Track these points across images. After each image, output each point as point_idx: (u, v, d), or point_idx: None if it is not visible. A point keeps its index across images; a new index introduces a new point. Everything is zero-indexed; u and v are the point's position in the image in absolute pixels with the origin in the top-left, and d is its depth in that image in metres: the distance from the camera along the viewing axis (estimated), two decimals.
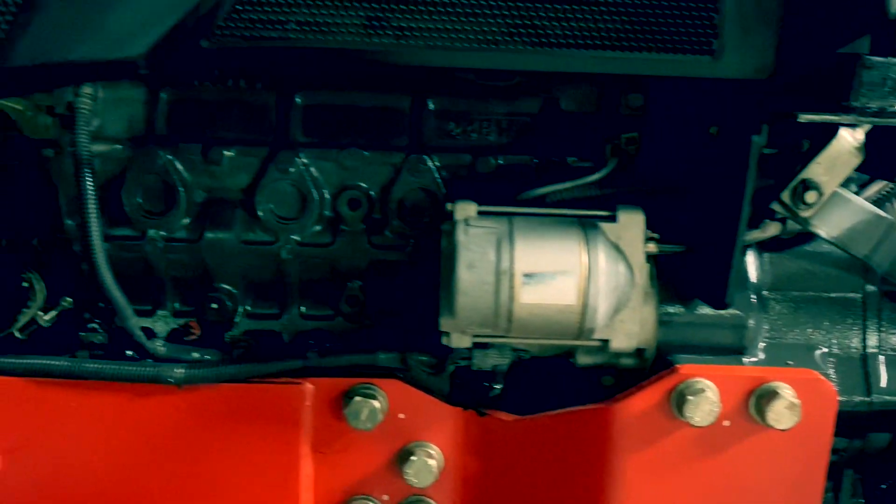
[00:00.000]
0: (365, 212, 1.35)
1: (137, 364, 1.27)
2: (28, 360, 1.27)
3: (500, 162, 1.34)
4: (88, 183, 1.13)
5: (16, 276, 1.35)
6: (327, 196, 1.34)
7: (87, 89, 1.15)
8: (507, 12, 1.06)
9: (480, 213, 1.14)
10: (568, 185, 1.31)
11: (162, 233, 1.34)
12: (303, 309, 1.43)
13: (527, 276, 1.12)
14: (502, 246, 1.15)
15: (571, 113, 1.34)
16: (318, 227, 1.36)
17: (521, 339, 1.25)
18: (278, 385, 1.30)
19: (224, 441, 1.30)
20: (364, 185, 1.35)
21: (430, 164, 1.33)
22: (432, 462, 1.32)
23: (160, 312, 1.42)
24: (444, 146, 1.35)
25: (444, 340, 1.19)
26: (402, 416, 1.33)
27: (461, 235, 1.09)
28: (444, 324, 1.14)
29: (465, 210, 1.14)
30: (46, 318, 1.32)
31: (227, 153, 1.31)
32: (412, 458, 1.31)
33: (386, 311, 1.40)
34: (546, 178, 1.34)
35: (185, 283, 1.40)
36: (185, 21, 0.92)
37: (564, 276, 1.12)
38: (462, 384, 1.35)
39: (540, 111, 1.34)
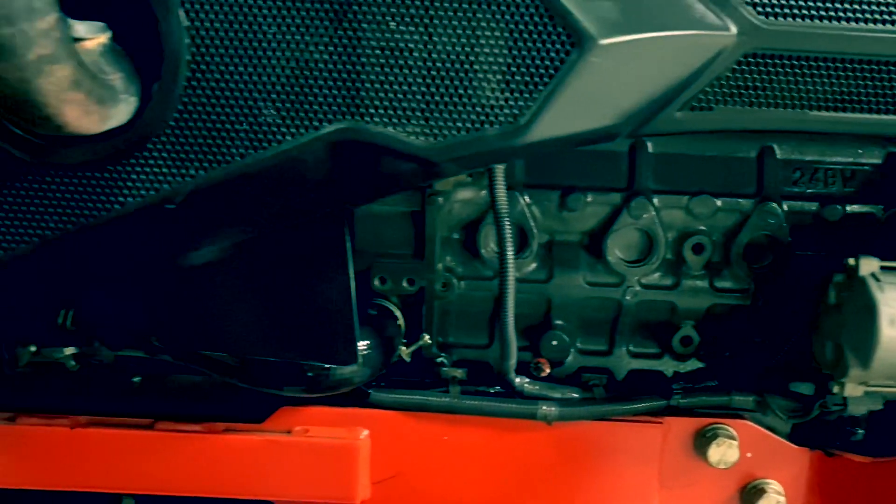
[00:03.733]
0: (708, 256, 1.42)
1: (513, 401, 1.34)
2: (408, 396, 1.35)
3: (847, 210, 1.40)
4: (507, 230, 1.19)
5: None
6: (671, 240, 1.42)
7: None
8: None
9: (883, 268, 1.19)
10: None
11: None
12: (631, 347, 1.50)
13: None
14: None
15: None
16: (659, 271, 1.43)
17: None
18: (639, 423, 1.36)
19: (585, 475, 1.36)
20: (707, 229, 1.42)
21: (778, 211, 1.39)
22: (782, 499, 1.37)
23: (495, 346, 1.48)
24: (790, 194, 1.41)
25: (836, 389, 1.23)
26: (748, 454, 1.38)
27: (877, 292, 1.14)
28: (852, 374, 1.18)
29: (870, 265, 1.19)
30: (407, 352, 1.38)
31: (585, 199, 1.38)
32: (764, 495, 1.37)
33: (719, 352, 1.46)
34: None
35: (523, 319, 1.47)
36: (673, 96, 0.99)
37: None
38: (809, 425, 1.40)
39: (884, 161, 1.39)
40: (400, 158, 0.98)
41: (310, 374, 1.22)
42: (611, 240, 1.39)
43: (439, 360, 1.44)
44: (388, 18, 0.94)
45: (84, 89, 0.80)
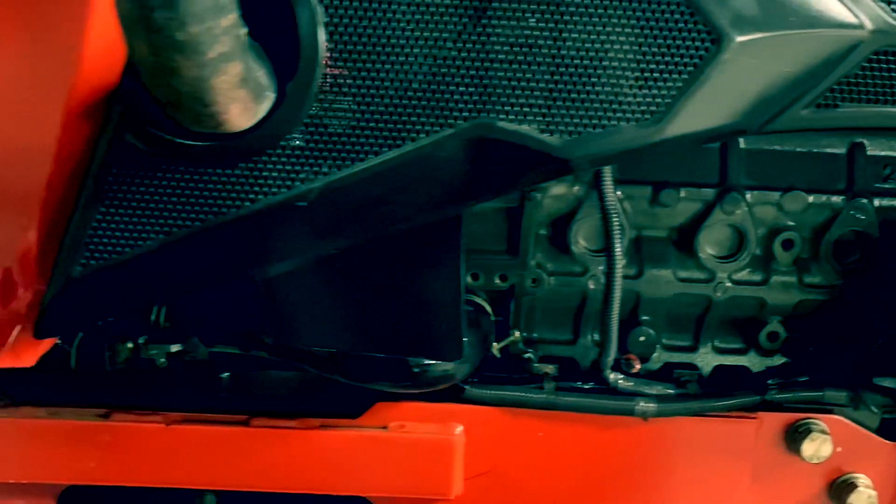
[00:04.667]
0: (797, 252, 1.42)
1: (610, 398, 1.34)
2: (505, 392, 1.35)
3: None
4: (615, 227, 1.19)
5: None
6: (760, 236, 1.42)
7: None
8: None
9: None
10: None
11: (600, 268, 1.42)
12: (716, 342, 1.51)
13: None
14: None
15: None
16: (748, 267, 1.43)
17: None
18: (734, 418, 1.36)
19: (678, 471, 1.37)
20: (795, 225, 1.42)
21: (869, 207, 1.39)
22: (873, 493, 1.38)
23: (581, 342, 1.49)
24: (880, 190, 1.41)
25: None
26: (838, 449, 1.38)
27: None
28: None
29: None
30: (497, 348, 1.38)
31: (678, 195, 1.38)
32: (855, 490, 1.37)
33: (803, 348, 1.46)
34: None
35: None
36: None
37: None
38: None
39: None
40: (532, 155, 0.98)
41: (415, 370, 1.22)
42: (702, 235, 1.40)
43: (526, 355, 1.44)
44: (527, 14, 0.94)
45: (249, 87, 0.79)
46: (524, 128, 0.97)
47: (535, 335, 1.46)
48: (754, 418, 1.36)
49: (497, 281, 1.39)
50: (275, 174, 0.98)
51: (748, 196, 1.37)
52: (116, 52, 0.95)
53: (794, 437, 1.36)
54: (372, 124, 0.96)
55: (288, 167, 0.98)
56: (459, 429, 1.34)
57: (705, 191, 1.38)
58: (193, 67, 0.71)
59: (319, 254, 1.02)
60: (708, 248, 1.40)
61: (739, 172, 1.39)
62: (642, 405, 1.33)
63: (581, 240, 1.40)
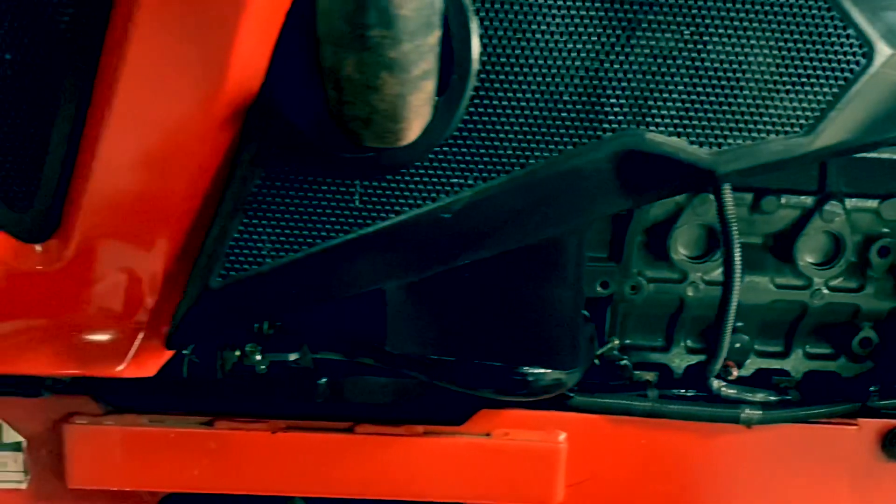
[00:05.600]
0: (892, 259, 1.42)
1: (714, 405, 1.34)
2: (610, 400, 1.35)
3: None
4: (735, 237, 1.19)
5: None
6: (856, 243, 1.42)
7: None
8: None
9: None
10: None
11: (699, 275, 1.42)
12: (807, 348, 1.51)
13: None
14: None
15: None
16: (843, 275, 1.43)
17: None
18: (835, 425, 1.37)
19: (781, 478, 1.37)
20: (891, 232, 1.42)
21: None
22: None
23: (675, 349, 1.49)
24: None
25: None
26: None
27: None
28: None
29: None
30: (597, 354, 1.38)
31: (779, 202, 1.39)
32: None
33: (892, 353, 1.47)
34: None
35: (703, 321, 1.47)
36: None
37: None
38: None
39: None
40: (680, 167, 0.98)
41: (529, 379, 1.22)
42: (801, 242, 1.41)
43: (622, 362, 1.44)
44: (678, 27, 0.94)
45: (432, 103, 0.79)
46: (673, 140, 0.97)
47: (627, 341, 1.47)
48: (855, 425, 1.37)
49: (598, 288, 1.39)
50: (420, 186, 0.98)
51: (846, 203, 1.39)
52: (260, 62, 0.95)
53: (894, 442, 1.37)
54: (521, 136, 0.96)
55: (434, 179, 0.97)
56: (563, 436, 1.34)
57: (804, 198, 1.39)
58: (397, 85, 0.71)
59: (457, 265, 1.02)
60: (806, 255, 1.41)
61: (839, 180, 1.40)
62: (748, 412, 1.33)
63: (680, 247, 1.41)
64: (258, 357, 1.27)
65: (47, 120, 1.01)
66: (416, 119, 0.79)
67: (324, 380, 1.41)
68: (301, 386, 1.40)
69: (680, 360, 1.49)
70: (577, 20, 0.94)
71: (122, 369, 1.12)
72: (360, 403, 1.41)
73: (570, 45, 0.95)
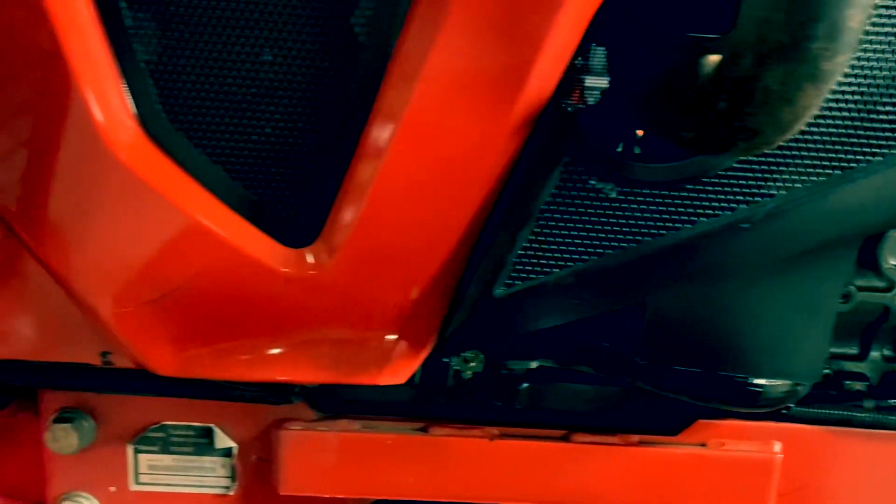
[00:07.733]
0: None
1: None
2: (830, 411, 1.33)
3: None
4: None
5: None
6: None
7: None
8: None
9: None
10: None
11: None
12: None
13: None
14: None
15: None
16: None
17: None
18: None
19: None
20: None
21: None
22: None
23: (872, 356, 1.48)
24: None
25: None
26: None
27: None
28: None
29: None
30: None
31: None
32: None
33: None
34: None
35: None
36: None
37: None
38: None
39: None
40: None
41: (758, 390, 1.21)
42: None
43: (825, 371, 1.43)
44: None
45: None
46: None
47: None
48: None
49: None
50: (721, 195, 0.96)
51: None
52: (558, 69, 0.94)
53: None
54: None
55: (735, 188, 0.96)
56: (778, 446, 1.33)
57: None
58: (814, 97, 0.69)
59: (747, 277, 1.01)
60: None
61: None
62: None
63: (889, 257, 1.40)
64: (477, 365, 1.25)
65: (327, 125, 1.00)
66: (794, 131, 0.78)
67: (525, 385, 1.40)
68: (502, 391, 1.39)
69: (877, 368, 1.49)
70: None
71: (380, 377, 1.10)
72: (563, 411, 1.39)
73: None
